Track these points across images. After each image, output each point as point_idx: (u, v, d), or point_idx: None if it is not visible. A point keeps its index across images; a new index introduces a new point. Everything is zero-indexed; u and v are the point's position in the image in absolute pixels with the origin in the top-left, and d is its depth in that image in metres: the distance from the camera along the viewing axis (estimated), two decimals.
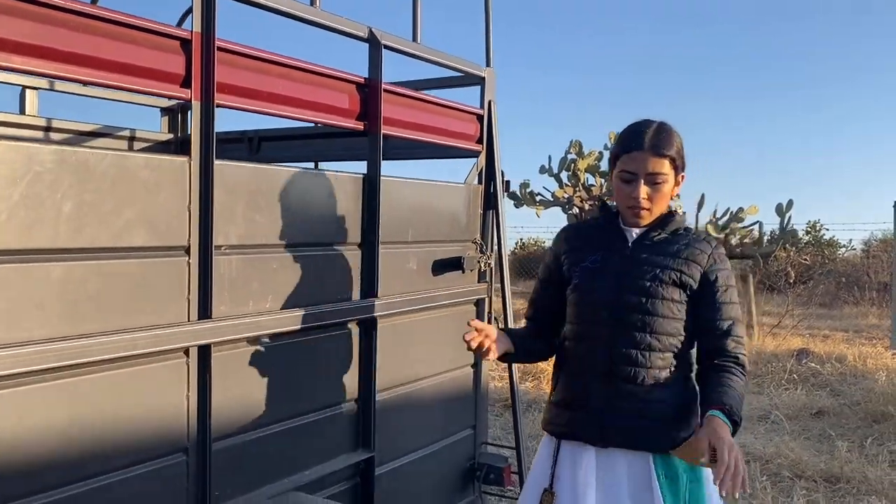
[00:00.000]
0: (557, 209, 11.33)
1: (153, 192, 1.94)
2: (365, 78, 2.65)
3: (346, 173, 2.64)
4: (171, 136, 4.35)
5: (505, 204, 3.45)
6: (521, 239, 21.11)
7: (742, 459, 1.72)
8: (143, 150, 4.17)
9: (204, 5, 2.05)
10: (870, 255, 17.46)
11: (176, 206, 2.00)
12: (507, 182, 3.49)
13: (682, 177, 2.05)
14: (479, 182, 3.34)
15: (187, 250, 2.03)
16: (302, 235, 2.40)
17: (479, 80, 3.33)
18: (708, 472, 2.00)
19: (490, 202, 3.34)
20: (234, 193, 2.16)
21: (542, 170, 11.13)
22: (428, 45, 2.99)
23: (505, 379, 4.99)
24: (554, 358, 2.22)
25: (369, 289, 2.65)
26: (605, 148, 10.44)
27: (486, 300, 3.34)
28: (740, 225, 10.19)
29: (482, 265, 3.27)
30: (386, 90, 2.69)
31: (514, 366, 3.41)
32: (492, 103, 3.35)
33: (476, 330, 1.98)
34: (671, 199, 2.06)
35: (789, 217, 10.18)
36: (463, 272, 3.15)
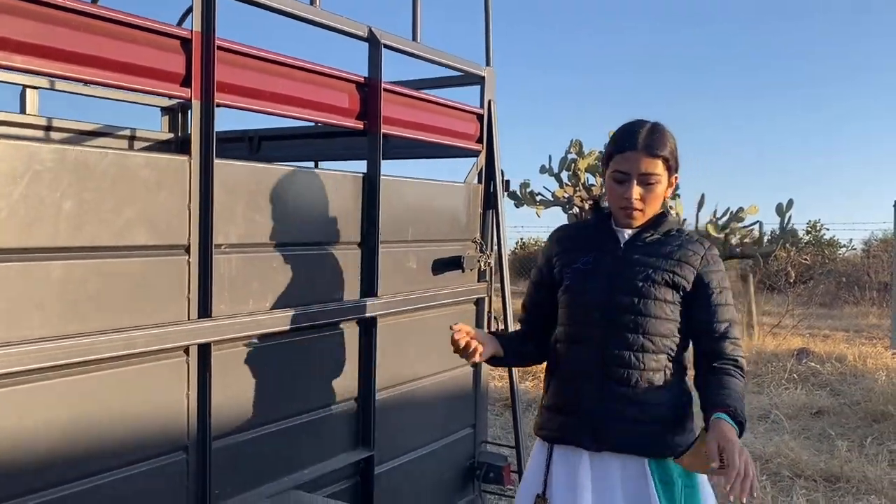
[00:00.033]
0: (558, 209, 11.33)
1: (153, 191, 1.94)
2: (365, 77, 2.66)
3: (345, 172, 2.65)
4: (171, 135, 4.35)
5: (505, 203, 3.45)
6: (522, 238, 21.14)
7: (751, 463, 1.70)
8: (143, 149, 4.17)
9: (204, 5, 2.05)
10: (870, 254, 17.47)
11: (176, 205, 2.00)
12: (507, 181, 3.50)
13: (676, 178, 2.03)
14: (479, 181, 3.34)
15: (187, 249, 2.03)
16: (302, 234, 2.41)
17: (479, 80, 3.33)
18: (703, 478, 1.98)
19: (490, 201, 3.34)
20: (235, 193, 2.17)
21: (543, 169, 11.13)
22: (427, 45, 2.99)
23: (505, 378, 5.00)
24: (546, 362, 2.19)
25: (369, 288, 2.65)
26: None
27: (486, 299, 3.34)
28: (740, 225, 10.19)
29: (482, 264, 3.27)
30: (386, 89, 2.69)
31: None
32: (492, 103, 3.35)
33: (462, 331, 1.97)
34: (664, 200, 2.04)
35: (789, 217, 10.18)
36: (463, 271, 3.16)
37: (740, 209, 10.12)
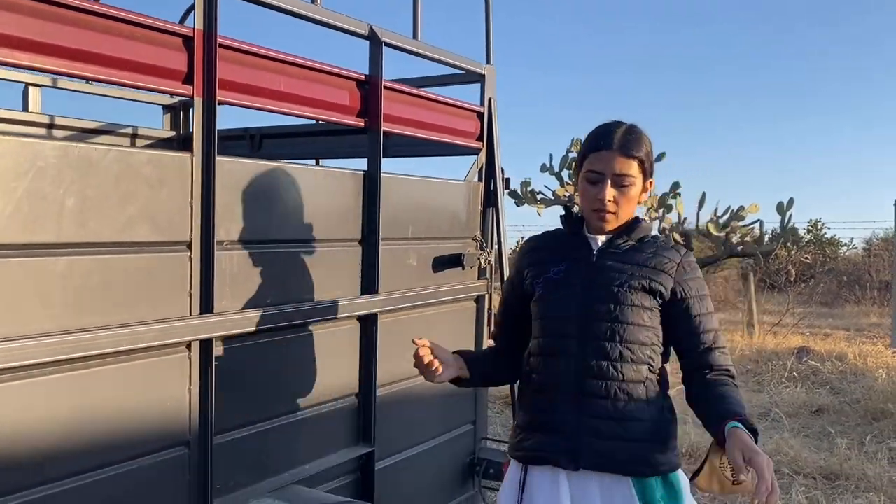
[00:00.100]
0: (559, 208, 11.34)
1: (155, 187, 1.95)
2: (365, 75, 2.67)
3: (346, 170, 2.66)
4: (172, 133, 4.37)
5: (505, 201, 3.46)
6: (522, 237, 21.05)
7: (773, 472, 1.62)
8: (145, 146, 4.19)
9: (206, 3, 2.06)
10: (871, 253, 17.48)
11: (178, 201, 2.01)
12: (508, 179, 3.50)
13: (651, 183, 1.95)
14: (480, 179, 3.35)
15: (189, 245, 2.05)
16: (303, 231, 2.42)
17: (480, 78, 3.34)
18: (688, 498, 1.89)
19: (490, 199, 3.35)
20: (236, 190, 2.18)
21: (544, 168, 11.14)
22: (428, 43, 3.01)
23: None
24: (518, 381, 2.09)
25: (370, 285, 2.67)
26: None
27: (486, 297, 3.35)
28: (741, 223, 10.19)
29: (482, 262, 3.29)
30: (386, 87, 2.70)
31: None
32: (492, 100, 3.36)
33: (426, 347, 1.89)
34: (638, 205, 1.96)
35: (790, 215, 10.17)
36: (463, 269, 3.17)
37: (741, 208, 10.12)
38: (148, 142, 4.24)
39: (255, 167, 2.30)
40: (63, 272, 1.77)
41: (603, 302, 1.87)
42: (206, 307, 2.08)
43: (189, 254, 2.05)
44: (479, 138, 3.34)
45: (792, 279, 13.64)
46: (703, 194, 10.27)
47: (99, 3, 1.85)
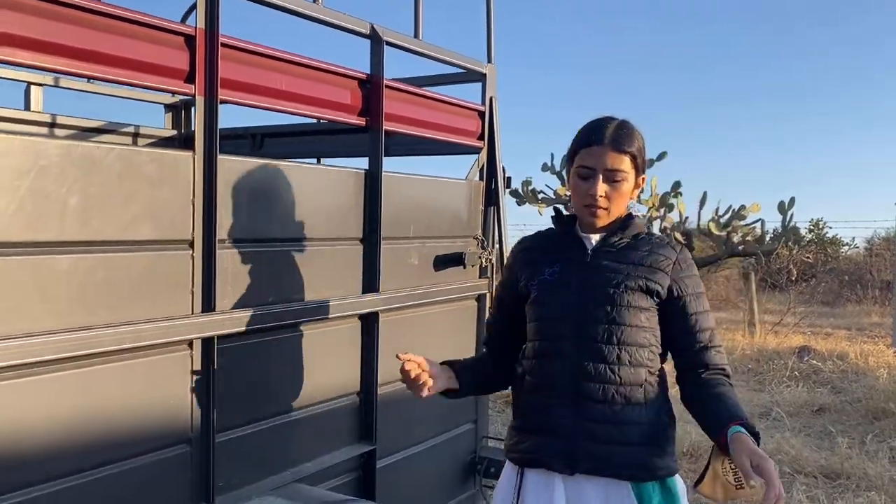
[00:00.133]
0: (560, 207, 11.32)
1: (158, 186, 1.96)
2: (367, 74, 2.67)
3: (348, 169, 2.67)
4: (174, 132, 4.38)
5: (506, 200, 3.47)
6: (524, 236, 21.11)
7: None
8: (146, 145, 4.19)
9: (208, 2, 2.07)
10: (873, 253, 17.47)
11: (180, 200, 2.02)
12: (509, 178, 3.51)
13: (643, 179, 1.92)
14: (481, 178, 3.36)
15: (191, 244, 2.05)
16: (304, 230, 2.43)
17: (481, 77, 3.35)
18: (684, 502, 1.87)
19: (491, 198, 3.36)
20: (238, 189, 2.19)
21: (545, 167, 11.16)
22: (429, 42, 3.01)
23: None
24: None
25: (371, 283, 2.67)
26: None
27: (487, 296, 3.35)
28: (742, 222, 10.19)
29: (483, 261, 3.29)
30: (388, 86, 2.71)
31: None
32: (493, 99, 3.36)
33: (412, 362, 1.83)
34: (630, 200, 1.92)
35: (791, 214, 10.18)
36: (464, 268, 3.18)
37: (742, 207, 10.13)
38: (149, 141, 4.25)
39: (257, 166, 2.30)
40: (66, 270, 1.77)
41: (599, 304, 1.83)
42: (208, 305, 2.09)
43: (191, 252, 2.05)
44: (481, 137, 3.34)
45: (793, 278, 13.64)
46: (705, 194, 10.29)
47: (101, 1, 1.85)
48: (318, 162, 3.96)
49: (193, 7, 2.09)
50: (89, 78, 1.99)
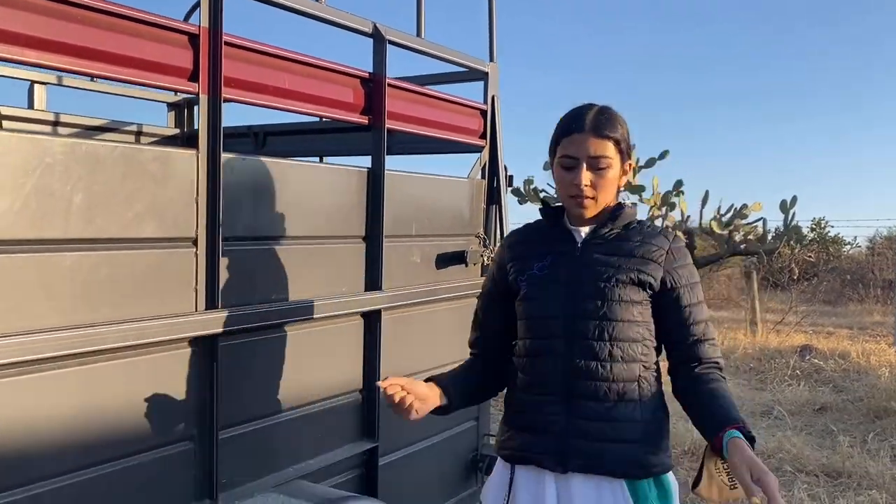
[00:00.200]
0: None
1: (161, 184, 1.97)
2: (369, 73, 2.68)
3: (350, 167, 2.67)
4: (177, 131, 4.39)
5: (508, 199, 3.48)
6: None
7: None
8: (150, 144, 4.20)
9: (211, 0, 2.08)
10: (875, 252, 17.46)
11: (184, 198, 2.03)
12: (511, 177, 3.51)
13: (630, 165, 1.86)
14: (483, 177, 3.37)
15: (195, 242, 2.06)
16: (307, 228, 2.44)
17: (483, 76, 3.36)
18: (677, 500, 1.84)
19: (493, 197, 3.37)
20: (241, 187, 2.20)
21: (546, 166, 11.14)
22: (431, 41, 3.02)
23: None
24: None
25: (373, 281, 2.68)
26: None
27: None
28: (744, 221, 10.17)
29: (485, 259, 3.30)
30: (390, 85, 2.72)
31: None
32: (495, 98, 3.37)
33: (395, 385, 1.75)
34: (618, 189, 1.87)
35: (793, 213, 10.16)
36: (466, 266, 3.19)
37: (744, 206, 10.11)
38: (152, 139, 4.26)
39: (260, 164, 2.31)
40: (70, 268, 1.78)
41: (590, 299, 1.78)
42: (212, 303, 2.10)
43: (195, 250, 2.06)
44: (483, 136, 3.35)
45: (795, 277, 13.64)
46: (707, 192, 10.26)
47: (105, 1, 1.86)
48: (321, 160, 3.97)
49: (197, 6, 2.10)
50: (92, 76, 1.99)
